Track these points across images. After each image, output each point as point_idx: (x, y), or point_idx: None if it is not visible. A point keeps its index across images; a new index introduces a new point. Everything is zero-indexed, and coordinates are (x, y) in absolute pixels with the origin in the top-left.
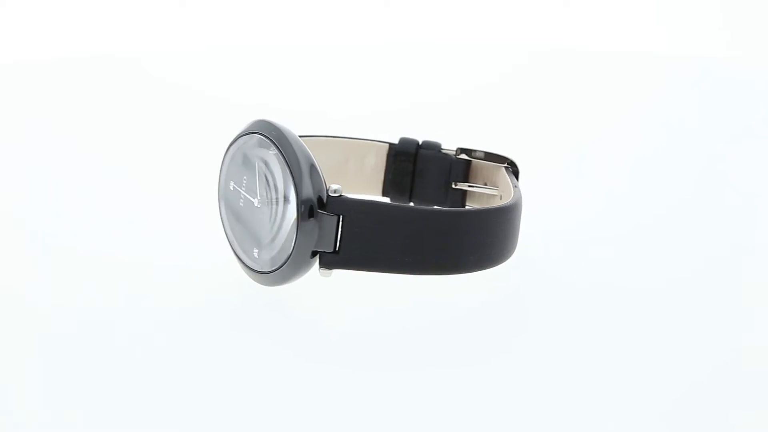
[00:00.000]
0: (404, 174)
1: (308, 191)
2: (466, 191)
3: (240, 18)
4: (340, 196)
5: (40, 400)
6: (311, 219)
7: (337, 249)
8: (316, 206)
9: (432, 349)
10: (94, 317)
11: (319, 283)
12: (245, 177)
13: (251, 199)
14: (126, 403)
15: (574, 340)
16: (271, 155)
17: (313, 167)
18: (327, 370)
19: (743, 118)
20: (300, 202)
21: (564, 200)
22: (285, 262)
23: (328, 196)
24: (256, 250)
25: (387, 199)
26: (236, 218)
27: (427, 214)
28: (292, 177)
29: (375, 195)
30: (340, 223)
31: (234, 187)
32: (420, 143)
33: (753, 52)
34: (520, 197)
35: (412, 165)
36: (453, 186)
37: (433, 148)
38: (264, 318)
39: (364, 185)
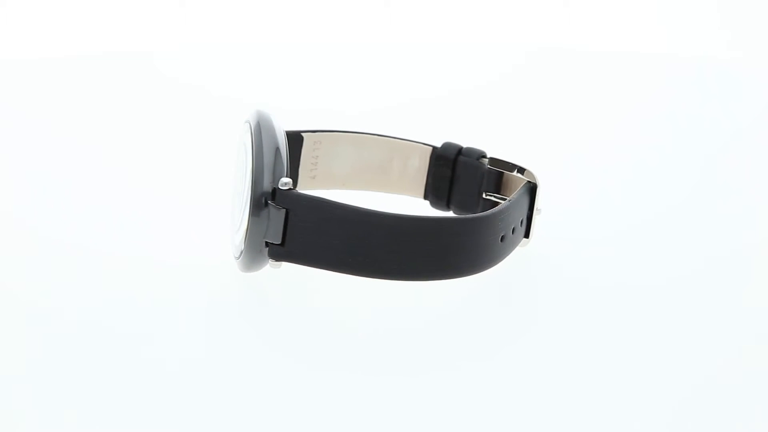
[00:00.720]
0: (443, 179)
1: (261, 184)
2: (496, 202)
3: (240, 17)
4: (290, 190)
5: (38, 397)
6: (262, 210)
7: (282, 242)
8: (269, 198)
9: (433, 349)
10: (93, 315)
11: (319, 283)
12: (239, 165)
13: (236, 185)
14: (124, 402)
15: (576, 339)
16: (248, 144)
17: (278, 158)
18: (326, 372)
19: (743, 117)
20: (252, 193)
21: (564, 200)
22: (242, 250)
23: (278, 189)
24: (234, 237)
25: (427, 203)
26: (232, 204)
27: (371, 216)
28: (253, 167)
29: (417, 197)
30: (287, 217)
31: (234, 174)
32: (461, 149)
33: (753, 51)
34: (499, 212)
35: (451, 171)
36: (484, 196)
37: (472, 155)
38: (261, 318)
39: (407, 187)
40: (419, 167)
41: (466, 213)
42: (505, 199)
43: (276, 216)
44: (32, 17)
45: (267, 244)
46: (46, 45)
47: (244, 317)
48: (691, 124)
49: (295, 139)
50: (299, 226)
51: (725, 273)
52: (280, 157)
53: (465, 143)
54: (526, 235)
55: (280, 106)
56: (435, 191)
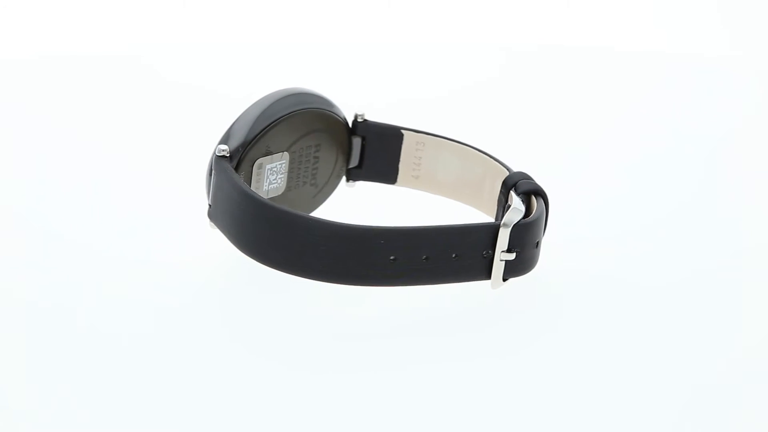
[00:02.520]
0: (501, 205)
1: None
2: None
3: (240, 16)
4: (223, 157)
5: (28, 395)
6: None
7: (210, 204)
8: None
9: (433, 350)
10: (86, 313)
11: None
12: None
13: None
14: (118, 400)
15: (575, 340)
16: None
17: (250, 131)
18: (322, 372)
19: (743, 117)
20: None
21: (564, 199)
22: None
23: (216, 154)
24: None
25: None
26: None
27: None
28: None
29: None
30: (212, 180)
31: None
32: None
33: (753, 51)
34: (392, 230)
35: (505, 199)
36: None
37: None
38: (244, 318)
39: (491, 209)
40: (500, 190)
41: None
42: None
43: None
44: (32, 17)
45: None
46: (45, 45)
47: (228, 317)
48: (691, 123)
49: (393, 135)
50: (217, 194)
51: (727, 273)
52: (252, 129)
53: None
54: (488, 276)
55: None
56: (497, 218)
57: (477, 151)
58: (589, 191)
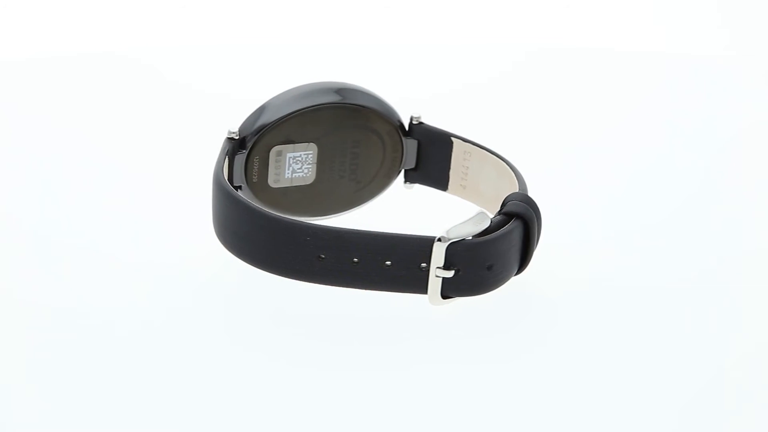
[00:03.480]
0: None
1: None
2: None
3: (240, 15)
4: (230, 138)
5: (28, 395)
6: None
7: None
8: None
9: (431, 350)
10: (85, 315)
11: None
12: None
13: None
14: (119, 400)
15: (574, 340)
16: None
17: (268, 117)
18: (319, 372)
19: (743, 116)
20: None
21: (563, 199)
22: None
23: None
24: None
25: None
26: None
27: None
28: None
29: None
30: None
31: None
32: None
33: (753, 51)
34: (319, 228)
35: None
36: None
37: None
38: (252, 316)
39: None
40: None
41: None
42: None
43: None
44: (32, 17)
45: None
46: (45, 45)
47: (229, 317)
48: (691, 123)
49: (444, 141)
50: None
51: (727, 276)
52: (260, 112)
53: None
54: (424, 290)
55: None
56: None
57: (509, 167)
58: (588, 192)
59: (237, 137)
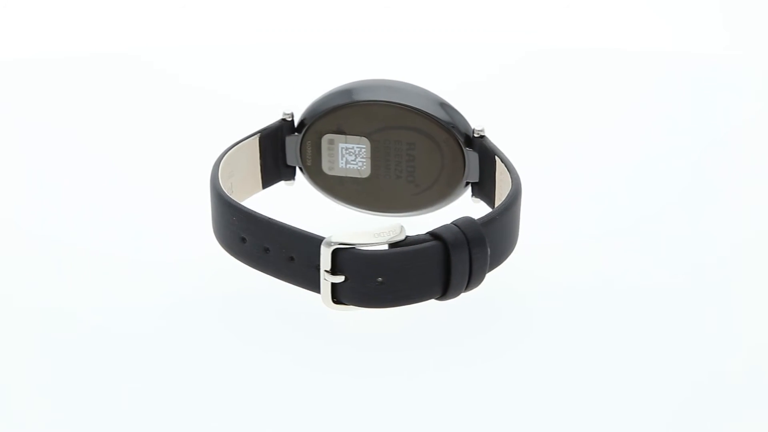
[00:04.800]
0: None
1: None
2: None
3: (240, 15)
4: (284, 120)
5: (27, 395)
6: None
7: None
8: None
9: (428, 351)
10: (86, 314)
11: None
12: None
13: None
14: (119, 401)
15: (570, 341)
16: None
17: (324, 104)
18: (321, 373)
19: (742, 116)
20: None
21: (561, 199)
22: None
23: None
24: None
25: None
26: None
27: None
28: None
29: None
30: None
31: None
32: None
33: (752, 50)
34: (241, 211)
35: None
36: None
37: None
38: (252, 316)
39: None
40: None
41: None
42: None
43: None
44: (32, 17)
45: None
46: (44, 45)
47: (230, 316)
48: (690, 122)
49: (491, 157)
50: None
51: (723, 272)
52: (320, 99)
53: None
54: (318, 291)
55: (280, 105)
56: None
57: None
58: (587, 191)
59: (290, 119)
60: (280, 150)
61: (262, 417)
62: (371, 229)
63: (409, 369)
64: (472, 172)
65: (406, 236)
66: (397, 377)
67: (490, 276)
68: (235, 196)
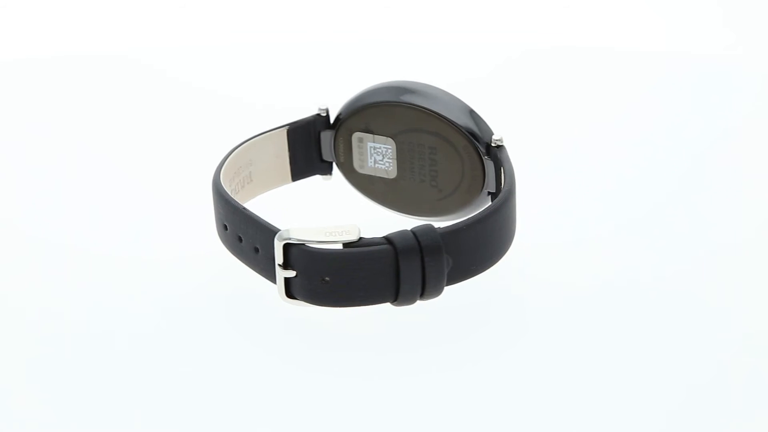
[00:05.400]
0: None
1: None
2: None
3: (240, 15)
4: (319, 115)
5: (27, 395)
6: None
7: None
8: None
9: (426, 351)
10: (86, 314)
11: None
12: None
13: None
14: (119, 401)
15: (568, 341)
16: None
17: (357, 102)
18: (316, 374)
19: (741, 116)
20: None
21: (561, 199)
22: None
23: None
24: None
25: None
26: None
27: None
28: None
29: None
30: None
31: None
32: None
33: (752, 50)
34: (223, 197)
35: None
36: None
37: None
38: (252, 317)
39: None
40: None
41: None
42: None
43: None
44: (32, 17)
45: None
46: (45, 45)
47: (231, 316)
48: (688, 122)
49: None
50: None
51: (718, 271)
52: (355, 96)
53: None
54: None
55: (276, 106)
56: None
57: None
58: (587, 191)
59: (324, 114)
60: (313, 144)
61: (261, 416)
62: (327, 227)
63: (405, 370)
64: (491, 182)
65: (360, 238)
66: (393, 378)
67: (488, 275)
68: (254, 185)
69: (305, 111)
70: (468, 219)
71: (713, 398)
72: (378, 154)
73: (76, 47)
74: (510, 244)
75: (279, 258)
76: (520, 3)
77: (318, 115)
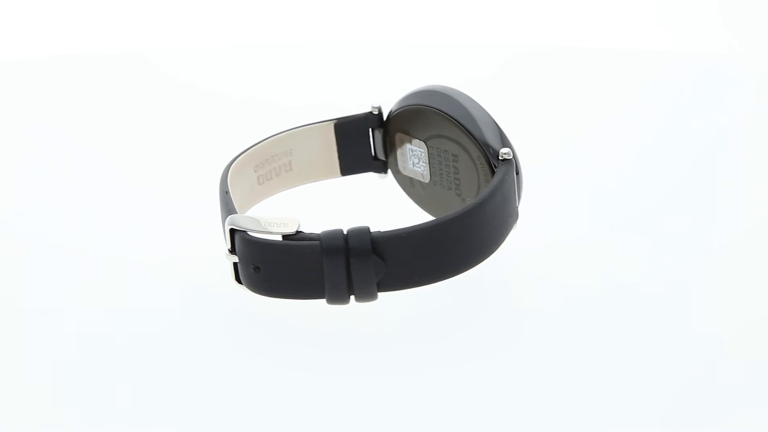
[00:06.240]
0: None
1: None
2: None
3: (241, 15)
4: (370, 113)
5: (25, 395)
6: None
7: None
8: None
9: (424, 350)
10: (86, 314)
11: None
12: None
13: None
14: (118, 400)
15: (566, 340)
16: None
17: (402, 102)
18: (314, 373)
19: (741, 116)
20: None
21: (560, 199)
22: None
23: None
24: None
25: None
26: None
27: None
28: None
29: None
30: None
31: None
32: None
33: (751, 50)
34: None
35: None
36: None
37: None
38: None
39: None
40: None
41: None
42: None
43: None
44: (36, 14)
45: None
46: (45, 45)
47: (231, 317)
48: (687, 122)
49: None
50: None
51: (717, 273)
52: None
53: None
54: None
55: (279, 105)
56: None
57: None
58: (586, 191)
59: (376, 113)
60: (364, 141)
61: (262, 416)
62: (269, 217)
63: (403, 368)
64: None
65: (298, 231)
66: (391, 376)
67: (486, 275)
68: (294, 174)
69: (305, 111)
70: (409, 227)
71: (711, 397)
72: (415, 157)
73: (78, 47)
74: (478, 259)
75: (228, 243)
76: (520, 3)
77: (370, 113)
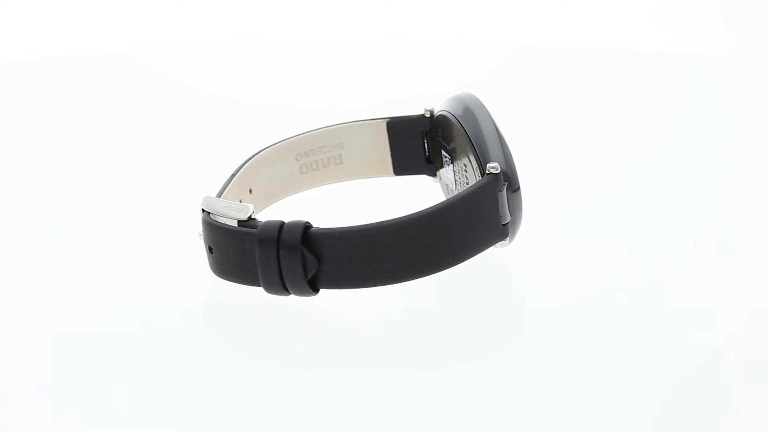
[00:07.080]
0: None
1: None
2: None
3: (241, 16)
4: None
5: (23, 395)
6: None
7: None
8: None
9: (423, 349)
10: (86, 314)
11: None
12: None
13: None
14: (117, 400)
15: (565, 340)
16: None
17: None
18: (312, 373)
19: (741, 116)
20: None
21: (559, 199)
22: None
23: None
24: None
25: None
26: None
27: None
28: None
29: None
30: None
31: None
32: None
33: (750, 50)
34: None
35: None
36: None
37: None
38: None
39: None
40: None
41: None
42: None
43: None
44: (37, 15)
45: None
46: (45, 45)
47: (229, 317)
48: (687, 122)
49: None
50: None
51: (717, 273)
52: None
53: None
54: None
55: (281, 105)
56: None
57: None
58: (586, 191)
59: (428, 116)
60: (417, 142)
61: (261, 416)
62: (228, 203)
63: (403, 367)
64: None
65: (249, 218)
66: (391, 375)
67: (487, 275)
68: (344, 168)
69: (305, 112)
70: (347, 226)
71: (711, 398)
72: (447, 164)
73: (78, 48)
74: (425, 271)
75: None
76: (520, 3)
77: (422, 115)
